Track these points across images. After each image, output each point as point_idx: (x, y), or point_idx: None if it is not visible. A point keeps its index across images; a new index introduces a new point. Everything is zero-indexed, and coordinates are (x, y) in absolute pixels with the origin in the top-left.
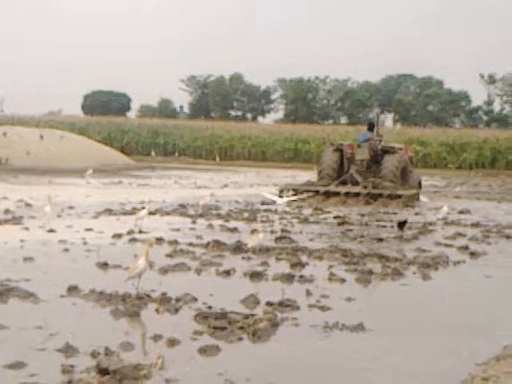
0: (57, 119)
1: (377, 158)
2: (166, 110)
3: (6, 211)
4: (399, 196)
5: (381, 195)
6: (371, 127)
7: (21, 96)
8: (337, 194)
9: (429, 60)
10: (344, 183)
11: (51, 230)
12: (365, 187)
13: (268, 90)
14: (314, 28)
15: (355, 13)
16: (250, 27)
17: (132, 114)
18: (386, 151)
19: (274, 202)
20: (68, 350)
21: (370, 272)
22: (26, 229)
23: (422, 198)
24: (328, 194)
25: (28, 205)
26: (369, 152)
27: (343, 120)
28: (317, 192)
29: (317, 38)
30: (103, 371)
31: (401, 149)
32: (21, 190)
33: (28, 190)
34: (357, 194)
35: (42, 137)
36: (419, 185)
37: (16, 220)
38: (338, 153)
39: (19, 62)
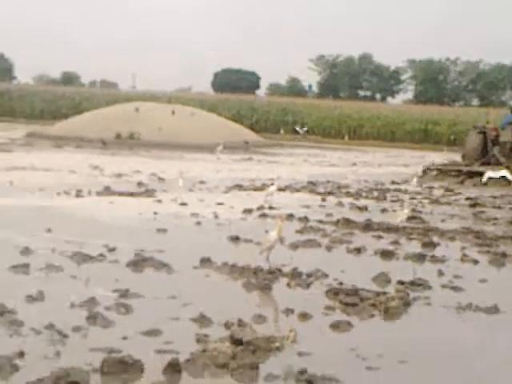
0: (187, 96)
1: None
2: (294, 88)
3: (140, 184)
4: None
5: None
6: None
7: (152, 72)
8: (479, 174)
9: None
10: (487, 164)
11: (183, 204)
12: (507, 168)
13: (397, 71)
14: (445, 9)
15: None
16: (380, 7)
17: (261, 92)
18: None
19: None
20: (202, 319)
21: (504, 254)
22: (159, 201)
23: None
24: (471, 175)
25: (160, 179)
26: None
27: (474, 102)
28: (460, 171)
29: (448, 19)
30: (237, 342)
31: None
32: (153, 164)
33: (160, 164)
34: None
35: (173, 113)
36: None
37: (149, 193)
38: (482, 135)
39: (152, 41)
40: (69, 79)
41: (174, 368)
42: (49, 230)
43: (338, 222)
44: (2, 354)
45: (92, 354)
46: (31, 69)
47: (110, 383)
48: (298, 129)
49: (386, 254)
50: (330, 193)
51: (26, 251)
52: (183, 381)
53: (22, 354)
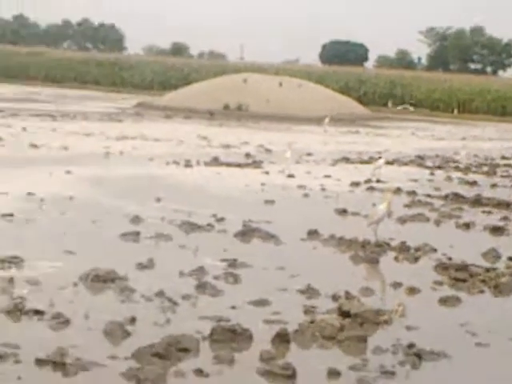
0: (294, 68)
1: None
2: (403, 61)
3: (247, 155)
4: None
5: None
6: None
7: (260, 44)
8: None
9: None
10: None
11: (290, 176)
12: None
13: (510, 44)
14: None
15: None
16: None
17: (369, 64)
18: None
19: None
20: (309, 291)
21: None
22: (266, 173)
23: None
24: None
25: (267, 150)
26: None
27: None
28: None
29: None
30: (344, 314)
31: None
32: (260, 135)
33: (267, 136)
34: None
35: (280, 84)
36: None
37: (256, 164)
38: None
39: (260, 13)
40: (178, 50)
41: (282, 338)
42: (158, 199)
43: (446, 196)
44: (114, 320)
45: (201, 322)
46: (141, 40)
47: (219, 351)
48: (403, 107)
49: (496, 230)
50: (438, 167)
51: (136, 220)
52: (291, 351)
53: (133, 320)
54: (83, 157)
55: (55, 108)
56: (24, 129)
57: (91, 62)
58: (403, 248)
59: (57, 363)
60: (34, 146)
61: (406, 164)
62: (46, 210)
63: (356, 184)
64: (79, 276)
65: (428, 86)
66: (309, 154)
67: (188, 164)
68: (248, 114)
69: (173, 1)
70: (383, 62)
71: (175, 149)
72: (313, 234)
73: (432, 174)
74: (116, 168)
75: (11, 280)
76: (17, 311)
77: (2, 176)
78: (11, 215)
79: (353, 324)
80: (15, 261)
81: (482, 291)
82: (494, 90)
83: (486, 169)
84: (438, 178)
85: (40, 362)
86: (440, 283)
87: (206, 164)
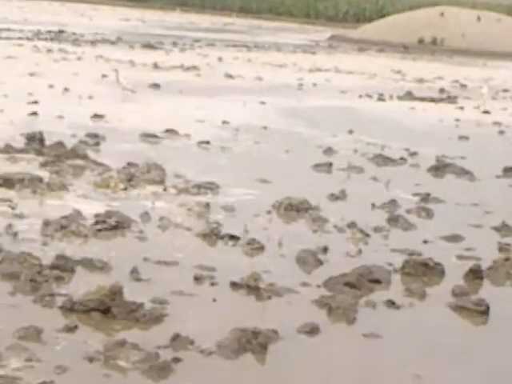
0: (493, 2)
1: None
2: None
3: (441, 90)
4: None
5: None
6: None
7: None
8: None
9: None
10: None
11: (486, 112)
12: None
13: None
14: None
15: None
16: None
17: None
18: None
19: None
20: (504, 229)
21: None
22: (461, 108)
23: None
24: None
25: (462, 85)
26: None
27: None
28: None
29: None
30: None
31: None
32: (455, 70)
33: (462, 71)
34: None
35: (479, 19)
36: None
37: (451, 99)
38: None
39: None
40: None
41: (475, 274)
42: (350, 132)
43: None
44: (306, 248)
45: (393, 255)
46: None
47: (411, 284)
48: None
49: None
50: None
51: (328, 151)
52: (484, 288)
53: (325, 250)
54: (277, 88)
55: (250, 39)
56: (220, 59)
57: None
58: None
59: (251, 287)
60: (229, 76)
61: None
62: (240, 138)
63: None
64: (273, 204)
65: None
66: (505, 91)
67: (381, 98)
68: (443, 48)
69: None
70: None
71: (368, 82)
72: (509, 171)
73: None
74: (309, 99)
75: (207, 205)
76: (213, 235)
77: (198, 104)
78: (207, 143)
79: None
80: (211, 187)
81: None
82: None
83: None
84: None
85: (235, 286)
86: None
87: (400, 98)
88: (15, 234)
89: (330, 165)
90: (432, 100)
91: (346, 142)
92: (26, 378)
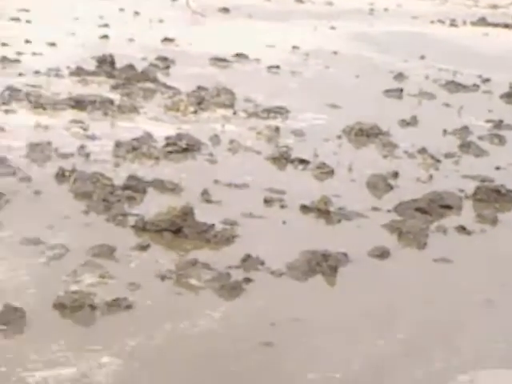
0: None
1: None
2: None
3: None
4: None
5: None
6: None
7: None
8: None
9: None
10: None
11: None
12: None
13: None
14: None
15: None
16: None
17: None
18: None
19: None
20: None
21: None
22: None
23: None
24: None
25: None
26: None
27: None
28: None
29: None
30: None
31: None
32: None
33: None
34: None
35: None
36: None
37: None
38: None
39: None
40: None
41: None
42: (422, 57)
43: None
44: (376, 173)
45: (464, 181)
46: None
47: (482, 210)
48: None
49: None
50: None
51: (399, 76)
52: None
53: (395, 175)
54: (347, 12)
55: None
56: None
57: None
58: None
59: (321, 210)
60: (300, 0)
61: None
62: (310, 63)
63: None
64: (343, 129)
65: None
66: None
67: (453, 23)
68: None
69: None
70: None
71: (440, 7)
72: None
73: None
74: (380, 24)
75: (277, 129)
76: (282, 159)
77: (268, 29)
78: (277, 67)
79: None
80: (281, 111)
81: None
82: None
83: None
84: None
85: (304, 209)
86: None
87: (473, 24)
88: (88, 155)
89: (401, 90)
90: (506, 26)
91: (417, 67)
92: (100, 294)
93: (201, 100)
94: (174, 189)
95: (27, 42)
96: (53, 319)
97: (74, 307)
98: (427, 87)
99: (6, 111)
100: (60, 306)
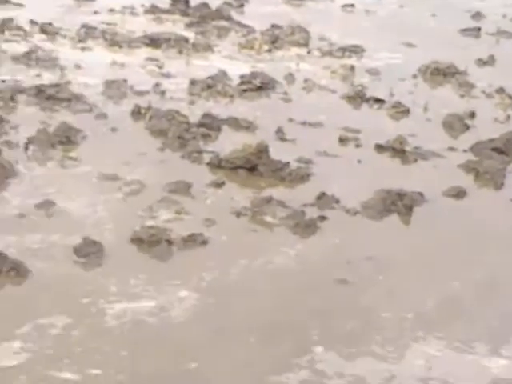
0: None
1: None
2: None
3: None
4: None
5: None
6: None
7: None
8: None
9: None
10: None
11: None
12: None
13: None
14: None
15: None
16: None
17: None
18: None
19: None
20: None
21: None
22: None
23: None
24: None
25: None
26: None
27: None
28: None
29: None
30: None
31: None
32: None
33: None
34: None
35: None
36: None
37: None
38: None
39: None
40: None
41: None
42: None
43: None
44: (453, 113)
45: None
46: None
47: None
48: None
49: None
50: None
51: (477, 15)
52: None
53: (472, 115)
54: None
55: None
56: None
57: None
58: None
59: (396, 150)
60: None
61: None
62: (385, 2)
63: None
64: (418, 68)
65: None
66: None
67: None
68: None
69: None
70: None
71: None
72: None
73: None
74: None
75: (352, 68)
76: (357, 98)
77: None
78: (352, 6)
79: None
80: (356, 50)
81: None
82: None
83: None
84: None
85: (379, 148)
86: None
87: None
88: (163, 93)
89: (479, 29)
90: None
91: (495, 6)
92: (176, 230)
93: (275, 38)
94: (248, 127)
95: None
96: (130, 253)
97: (151, 242)
98: (506, 26)
99: (83, 48)
100: (137, 241)
